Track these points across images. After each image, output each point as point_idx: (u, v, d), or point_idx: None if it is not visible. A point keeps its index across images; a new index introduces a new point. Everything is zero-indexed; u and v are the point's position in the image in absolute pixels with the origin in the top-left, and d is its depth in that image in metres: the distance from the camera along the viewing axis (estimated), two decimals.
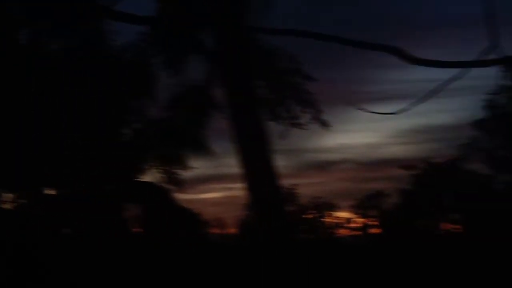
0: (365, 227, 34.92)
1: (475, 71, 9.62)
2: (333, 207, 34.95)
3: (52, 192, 20.69)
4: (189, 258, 21.90)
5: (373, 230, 34.70)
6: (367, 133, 44.36)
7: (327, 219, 34.99)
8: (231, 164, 15.27)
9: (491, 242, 26.48)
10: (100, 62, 16.63)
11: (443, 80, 9.04)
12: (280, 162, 14.30)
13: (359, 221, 35.05)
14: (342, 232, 35.21)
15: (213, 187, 36.58)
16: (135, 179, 21.80)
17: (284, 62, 16.64)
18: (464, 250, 27.31)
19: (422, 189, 32.91)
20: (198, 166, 21.76)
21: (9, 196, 20.29)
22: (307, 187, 40.23)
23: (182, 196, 23.02)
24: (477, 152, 29.36)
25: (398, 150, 46.90)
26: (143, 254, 20.91)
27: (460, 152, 30.01)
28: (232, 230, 32.84)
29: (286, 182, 33.16)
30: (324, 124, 16.70)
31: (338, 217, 35.13)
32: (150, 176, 21.90)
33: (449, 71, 9.03)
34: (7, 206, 20.42)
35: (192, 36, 12.89)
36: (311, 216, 34.52)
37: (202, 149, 20.32)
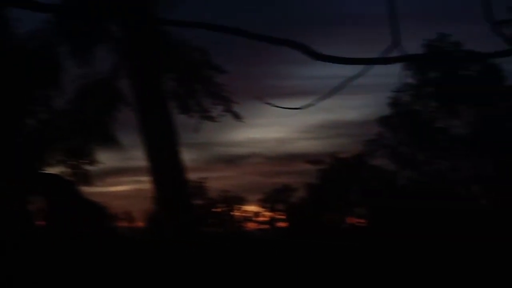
0: (272, 221, 35.31)
1: (381, 70, 9.91)
2: (242, 201, 35.22)
3: None
4: (96, 251, 21.55)
5: (281, 224, 35.15)
6: (277, 127, 44.82)
7: (236, 213, 35.22)
8: (139, 156, 15.19)
9: (395, 236, 27.20)
10: (3, 50, 16.15)
11: (348, 77, 9.26)
12: (189, 156, 14.36)
13: (267, 215, 35.42)
14: (250, 225, 35.51)
15: (122, 180, 36.18)
16: (40, 171, 21.30)
17: (195, 56, 16.63)
18: (368, 244, 27.93)
19: (329, 183, 33.47)
20: (105, 159, 21.46)
21: None
22: (217, 180, 40.38)
23: (89, 189, 22.68)
24: (382, 148, 30.07)
25: (306, 145, 47.65)
26: (47, 248, 20.44)
27: (366, 148, 30.69)
28: (140, 224, 32.59)
29: (195, 175, 33.21)
30: (236, 116, 16.78)
31: (246, 211, 35.40)
32: (56, 168, 21.48)
33: (357, 68, 9.24)
34: None
35: (98, 26, 12.70)
36: (219, 209, 34.65)
37: (109, 141, 20.03)
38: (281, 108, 9.64)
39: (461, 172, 28.24)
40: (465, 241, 23.67)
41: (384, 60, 9.16)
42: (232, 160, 39.88)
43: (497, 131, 25.50)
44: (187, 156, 14.28)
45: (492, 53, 9.38)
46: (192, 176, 32.43)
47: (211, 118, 16.94)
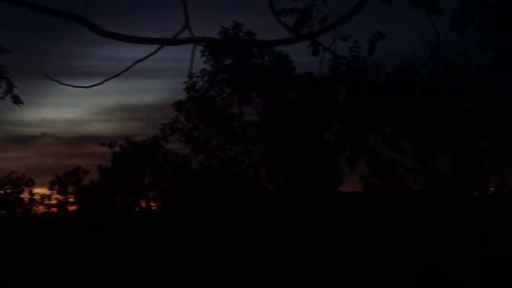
0: (62, 203, 34.40)
1: (178, 55, 9.91)
2: (31, 183, 33.92)
3: None
4: None
5: (71, 207, 34.37)
6: (70, 108, 43.67)
7: (24, 195, 33.86)
8: None
9: (192, 219, 27.63)
10: None
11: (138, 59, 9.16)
12: None
13: (57, 197, 34.43)
14: (39, 208, 34.33)
15: None
16: None
17: None
18: (160, 226, 28.15)
19: (122, 166, 33.20)
20: None
21: None
22: (3, 161, 38.59)
23: None
24: (177, 133, 30.23)
25: (100, 127, 47.03)
26: None
27: (161, 132, 30.67)
28: None
29: None
30: (16, 100, 15.98)
31: (35, 193, 34.15)
32: None
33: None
34: None
35: None
36: (6, 191, 33.10)
37: None
38: (73, 88, 9.29)
39: (252, 158, 29.19)
40: (253, 224, 24.63)
41: (172, 41, 9.16)
42: (21, 140, 38.30)
43: (285, 118, 26.63)
44: None
45: (276, 41, 9.71)
46: None
47: None
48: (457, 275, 13.11)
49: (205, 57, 27.83)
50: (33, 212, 33.88)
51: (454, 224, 17.08)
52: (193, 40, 9.18)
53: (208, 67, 28.19)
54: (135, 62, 9.22)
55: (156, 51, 9.26)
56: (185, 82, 28.29)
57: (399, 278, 13.32)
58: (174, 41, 8.98)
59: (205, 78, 28.28)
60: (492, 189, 22.88)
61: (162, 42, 8.98)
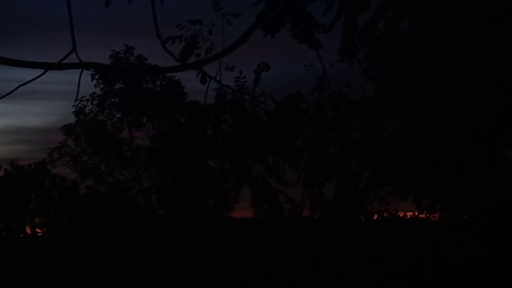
0: None
1: (68, 78, 9.80)
2: None
3: None
4: None
5: None
6: None
7: None
8: None
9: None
10: None
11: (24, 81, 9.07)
12: None
13: None
14: None
15: None
16: None
17: None
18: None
19: (7, 191, 32.23)
20: None
21: None
22: None
23: None
24: (65, 157, 29.76)
25: None
26: None
27: (49, 156, 30.05)
28: None
29: None
30: None
31: None
32: None
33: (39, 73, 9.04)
34: None
35: None
36: None
37: None
38: None
39: (143, 183, 28.97)
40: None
41: (58, 66, 9.10)
42: None
43: (172, 144, 26.65)
44: None
45: (164, 68, 9.83)
46: None
47: None
48: None
49: (95, 81, 27.56)
50: None
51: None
52: (80, 65, 9.14)
53: (98, 90, 27.91)
54: (19, 86, 9.09)
55: (41, 75, 9.16)
56: (74, 105, 27.88)
57: None
58: (60, 66, 8.91)
59: (95, 102, 27.97)
60: (376, 216, 23.80)
61: (48, 67, 8.88)
